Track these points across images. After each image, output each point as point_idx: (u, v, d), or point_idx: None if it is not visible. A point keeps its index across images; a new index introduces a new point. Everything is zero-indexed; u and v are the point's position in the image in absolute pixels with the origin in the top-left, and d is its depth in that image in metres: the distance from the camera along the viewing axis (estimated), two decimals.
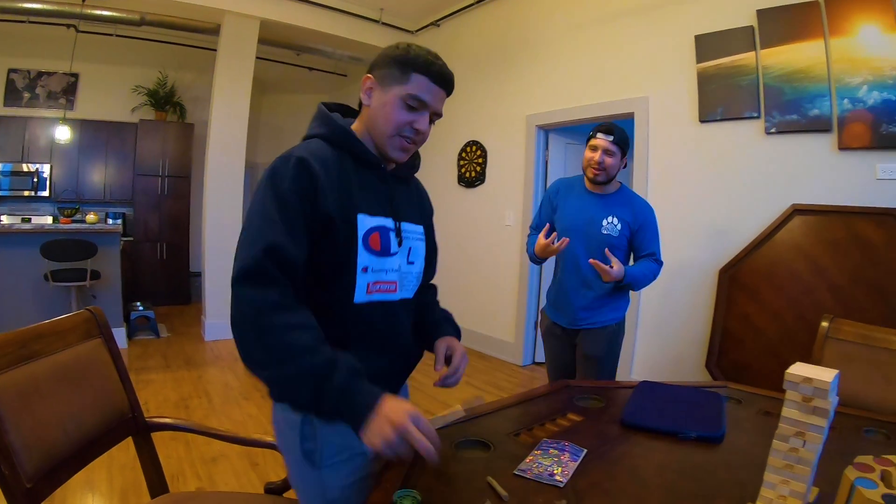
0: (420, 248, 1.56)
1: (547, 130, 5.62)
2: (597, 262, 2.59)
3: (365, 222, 1.36)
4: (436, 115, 1.43)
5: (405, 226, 1.50)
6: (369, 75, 1.41)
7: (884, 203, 3.29)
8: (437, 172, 6.86)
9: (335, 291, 1.32)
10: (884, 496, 0.98)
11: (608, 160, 2.75)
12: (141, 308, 6.20)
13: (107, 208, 7.88)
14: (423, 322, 1.66)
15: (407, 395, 1.66)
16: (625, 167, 2.88)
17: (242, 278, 1.17)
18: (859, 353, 2.21)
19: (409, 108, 1.37)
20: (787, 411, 1.12)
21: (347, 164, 1.37)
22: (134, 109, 7.88)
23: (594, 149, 2.77)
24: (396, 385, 1.56)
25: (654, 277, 2.85)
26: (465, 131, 6.47)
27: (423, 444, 1.08)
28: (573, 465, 1.36)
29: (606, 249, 2.69)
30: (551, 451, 1.44)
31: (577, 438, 1.52)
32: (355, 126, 1.47)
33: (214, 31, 6.03)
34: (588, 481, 1.30)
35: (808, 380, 1.09)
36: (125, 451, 2.64)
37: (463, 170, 6.48)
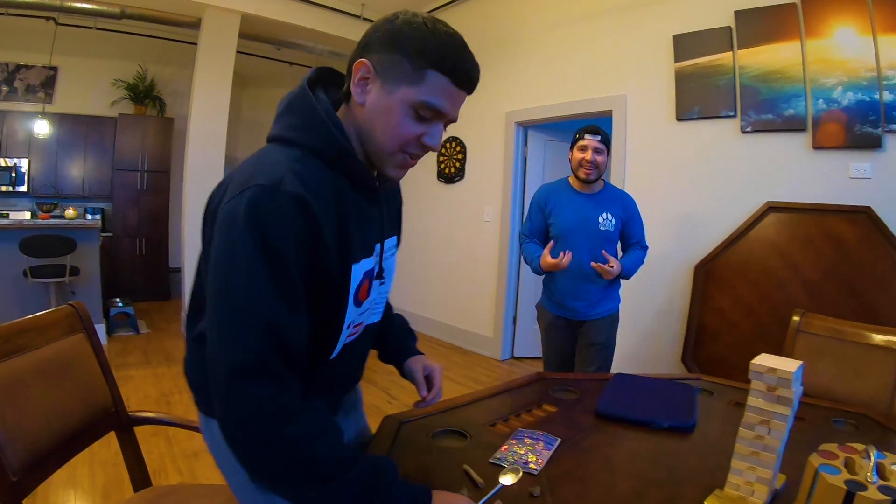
0: (393, 262, 1.35)
1: (526, 127, 5.66)
2: (598, 265, 2.89)
3: (357, 273, 1.12)
4: (451, 122, 1.13)
5: (386, 245, 1.27)
6: (365, 60, 1.04)
7: (856, 201, 3.36)
8: (416, 168, 6.68)
9: (309, 352, 1.04)
10: (846, 482, 1.01)
11: (598, 158, 2.96)
12: (120, 304, 6.15)
13: (85, 203, 7.77)
14: (382, 334, 1.52)
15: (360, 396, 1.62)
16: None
17: (241, 375, 0.90)
18: (829, 347, 2.27)
19: (419, 117, 1.06)
20: (753, 400, 1.17)
21: (343, 191, 1.07)
22: (113, 103, 7.80)
23: (584, 149, 2.96)
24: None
25: (642, 262, 3.17)
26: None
27: None
28: (547, 454, 1.39)
29: (603, 251, 2.97)
30: (526, 440, 1.47)
31: (552, 428, 1.56)
32: (340, 114, 1.13)
33: (195, 25, 5.99)
34: (561, 469, 1.34)
35: (772, 370, 1.14)
36: (106, 447, 2.65)
37: (442, 165, 6.50)
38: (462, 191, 6.28)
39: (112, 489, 2.80)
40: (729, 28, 3.88)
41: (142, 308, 6.97)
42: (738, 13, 3.82)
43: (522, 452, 1.39)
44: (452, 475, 1.28)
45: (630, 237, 3.17)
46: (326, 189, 1.02)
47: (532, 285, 5.73)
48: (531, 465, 1.33)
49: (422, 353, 1.55)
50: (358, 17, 6.64)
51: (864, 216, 3.30)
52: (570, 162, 3.08)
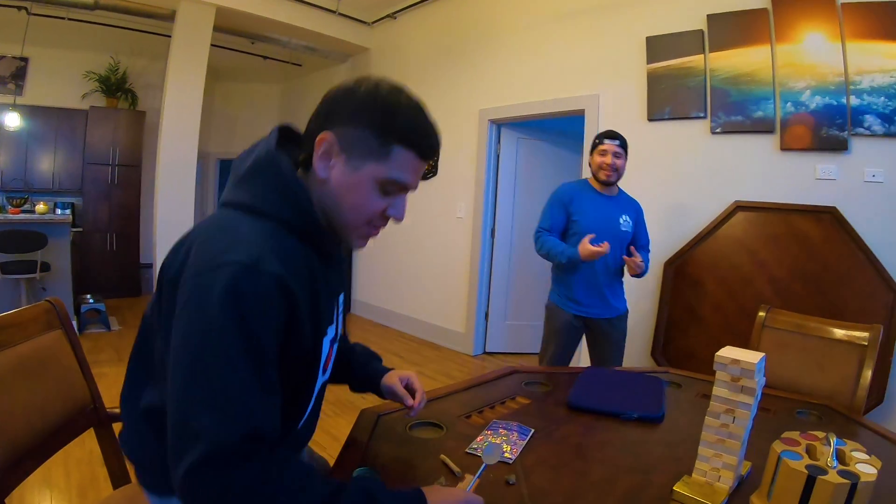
0: (341, 318, 1.30)
1: (499, 125, 5.68)
2: (630, 259, 3.01)
3: (326, 346, 1.12)
4: (412, 191, 1.13)
5: (340, 302, 1.27)
6: (329, 134, 1.01)
7: (822, 201, 3.45)
8: None
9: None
10: (808, 466, 1.07)
11: (618, 162, 3.09)
12: (91, 301, 6.06)
13: (55, 198, 7.59)
14: (346, 366, 1.50)
15: None
16: None
17: (213, 461, 0.83)
18: (794, 341, 2.36)
19: (385, 192, 1.06)
20: (718, 390, 1.23)
21: (314, 265, 1.05)
22: (85, 96, 7.66)
23: (604, 153, 3.09)
24: None
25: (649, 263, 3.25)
26: None
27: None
28: (521, 444, 1.43)
29: (631, 247, 3.14)
30: (501, 430, 1.51)
31: (526, 420, 1.60)
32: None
33: (169, 17, 5.91)
34: (535, 458, 1.38)
35: (735, 361, 1.20)
36: (80, 446, 2.63)
37: None
38: (435, 187, 6.29)
39: (88, 488, 2.77)
40: (701, 31, 3.95)
41: (112, 304, 6.89)
42: (710, 17, 3.90)
43: (497, 442, 1.43)
44: (430, 465, 1.31)
45: (640, 239, 3.30)
46: (302, 266, 1.00)
47: (503, 281, 5.79)
48: (506, 455, 1.37)
49: (391, 369, 1.52)
50: (333, 12, 6.63)
51: (829, 216, 3.40)
52: (590, 165, 3.20)
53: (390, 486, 0.99)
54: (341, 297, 1.27)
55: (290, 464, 0.89)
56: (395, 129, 1.01)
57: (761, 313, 2.49)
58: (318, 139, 1.01)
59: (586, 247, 2.87)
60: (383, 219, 1.10)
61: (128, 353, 1.25)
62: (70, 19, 6.57)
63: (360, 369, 1.50)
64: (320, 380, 1.14)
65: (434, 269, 6.29)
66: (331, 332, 1.15)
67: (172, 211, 5.78)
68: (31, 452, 1.38)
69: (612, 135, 3.10)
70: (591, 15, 4.69)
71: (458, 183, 5.99)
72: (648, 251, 3.34)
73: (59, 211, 7.22)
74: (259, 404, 0.88)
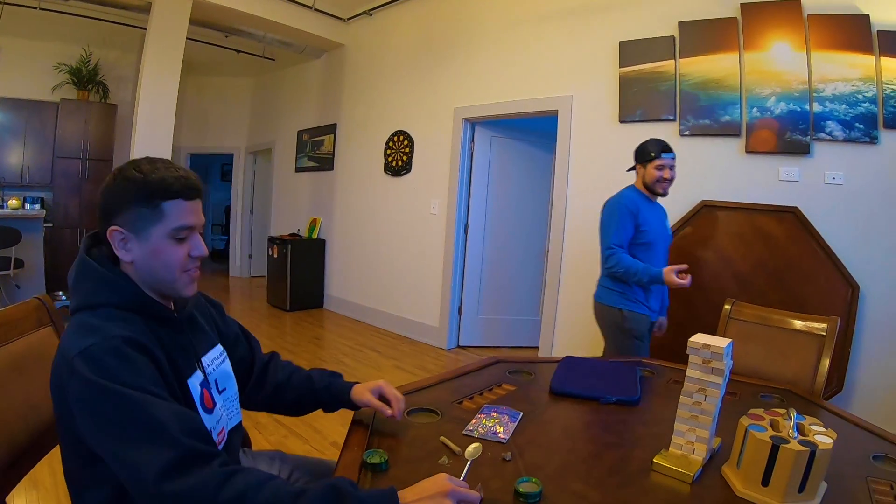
0: (225, 369, 1.42)
1: (474, 123, 5.79)
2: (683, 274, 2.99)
3: (194, 387, 1.24)
4: (202, 227, 1.28)
5: (206, 361, 1.35)
6: (115, 227, 1.17)
7: (785, 202, 3.65)
8: (363, 160, 6.94)
9: None
10: (772, 437, 1.22)
11: (674, 175, 3.16)
12: (64, 298, 5.97)
13: (24, 192, 7.39)
14: (311, 392, 1.59)
15: None
16: None
17: (169, 471, 0.96)
18: (758, 332, 2.54)
19: (179, 240, 1.21)
20: (691, 372, 1.38)
21: (155, 329, 1.20)
22: (55, 88, 7.53)
23: (661, 168, 3.11)
24: None
25: None
26: (393, 121, 6.56)
27: (472, 493, 1.11)
28: (512, 426, 1.56)
29: (686, 265, 3.05)
30: (493, 414, 1.63)
31: (513, 405, 1.72)
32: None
33: (144, 8, 5.84)
34: (526, 438, 1.50)
35: (706, 346, 1.36)
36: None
37: (389, 159, 6.57)
38: (409, 184, 6.38)
39: None
40: (672, 38, 4.13)
41: None
42: (681, 24, 4.07)
43: (490, 424, 1.55)
44: (431, 446, 1.42)
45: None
46: (144, 329, 1.15)
47: (476, 276, 5.91)
48: (500, 435, 1.49)
49: (356, 383, 1.59)
50: (310, 7, 6.66)
51: (791, 215, 3.60)
52: (643, 176, 3.19)
53: (398, 467, 1.12)
54: (213, 353, 1.39)
55: (249, 469, 1.02)
56: (154, 191, 1.17)
57: (727, 306, 2.67)
58: (108, 235, 1.18)
59: (672, 278, 2.92)
60: (192, 260, 1.25)
61: (19, 361, 1.31)
62: (42, 9, 6.46)
63: (325, 391, 1.58)
64: (206, 417, 1.23)
65: (408, 265, 6.38)
66: (198, 376, 1.28)
67: None
68: (28, 450, 1.40)
69: (668, 148, 3.13)
70: (567, 18, 4.83)
71: (431, 180, 6.08)
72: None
73: (27, 206, 7.08)
74: (176, 409, 1.04)
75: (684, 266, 2.96)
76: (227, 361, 1.44)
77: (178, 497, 0.95)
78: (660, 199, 3.25)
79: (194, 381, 1.25)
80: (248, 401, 1.59)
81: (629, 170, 3.33)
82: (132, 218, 1.17)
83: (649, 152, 3.14)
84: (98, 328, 1.08)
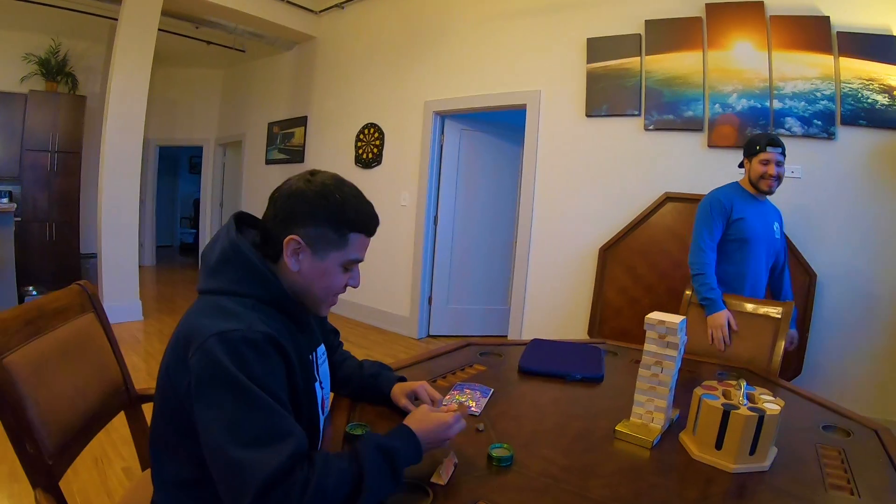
0: (325, 369, 1.44)
1: (444, 116, 5.85)
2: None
3: (318, 390, 1.30)
4: None
5: (318, 354, 1.39)
6: (294, 237, 1.18)
7: None
8: (334, 152, 6.96)
9: None
10: (724, 404, 1.33)
11: (780, 171, 2.88)
12: (34, 293, 5.89)
13: None
14: (359, 377, 1.62)
15: None
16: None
17: (272, 487, 0.94)
18: None
19: (345, 270, 1.27)
20: (648, 346, 1.51)
21: (291, 329, 1.23)
22: (23, 79, 7.35)
23: (766, 163, 2.86)
24: None
25: None
26: (364, 113, 6.58)
27: (452, 418, 1.22)
28: (484, 401, 1.65)
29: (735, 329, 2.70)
30: (466, 390, 1.72)
31: (484, 382, 1.81)
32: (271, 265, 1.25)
33: None
34: (497, 411, 1.60)
35: (661, 322, 1.48)
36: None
37: (360, 151, 6.61)
38: (379, 176, 6.41)
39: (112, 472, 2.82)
40: (639, 35, 4.25)
41: None
42: (647, 22, 4.20)
43: (463, 399, 1.64)
44: None
45: (782, 253, 3.08)
46: (282, 329, 1.16)
47: (446, 267, 5.99)
48: (473, 409, 1.57)
49: (400, 379, 1.62)
50: (282, 0, 6.67)
51: None
52: (749, 171, 2.96)
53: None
54: (321, 350, 1.41)
55: (316, 461, 1.01)
56: (347, 220, 1.21)
57: (687, 292, 2.83)
58: (285, 242, 1.19)
59: (718, 322, 2.65)
60: (344, 288, 1.30)
61: (66, 346, 1.36)
62: None
63: (371, 379, 1.61)
64: (321, 418, 1.30)
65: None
66: (317, 389, 1.31)
67: (117, 199, 5.69)
68: (77, 435, 1.41)
69: (774, 142, 2.86)
70: (536, 15, 4.92)
71: (402, 172, 6.14)
72: (787, 269, 3.14)
73: None
74: (290, 424, 1.02)
75: (735, 327, 2.65)
76: (327, 361, 1.47)
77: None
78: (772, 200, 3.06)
79: (318, 386, 1.31)
80: None
81: (739, 165, 3.09)
82: (316, 236, 1.19)
83: (755, 145, 2.92)
84: (241, 316, 1.09)
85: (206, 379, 1.00)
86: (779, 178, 2.88)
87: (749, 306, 2.63)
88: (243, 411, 0.98)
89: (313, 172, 1.25)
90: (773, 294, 3.10)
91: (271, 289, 1.18)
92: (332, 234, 1.20)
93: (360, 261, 1.28)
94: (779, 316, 2.52)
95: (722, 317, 2.64)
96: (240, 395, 0.99)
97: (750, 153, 2.94)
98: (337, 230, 1.20)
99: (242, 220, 1.31)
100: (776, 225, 3.00)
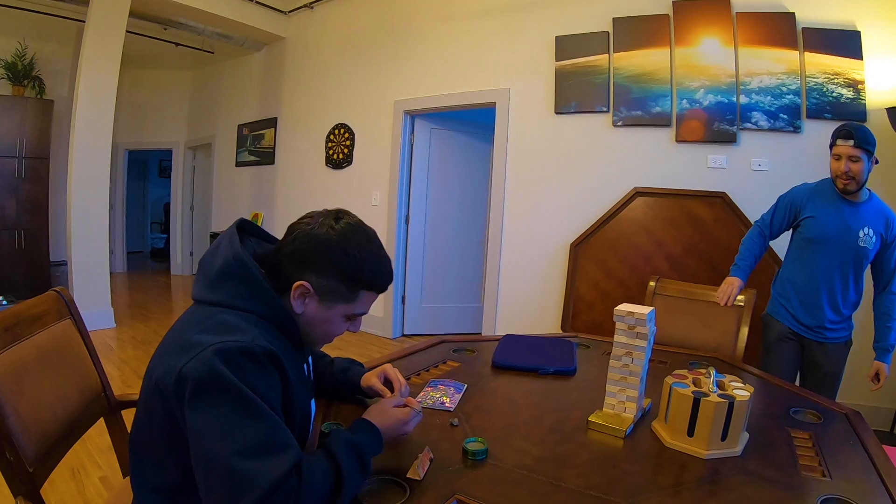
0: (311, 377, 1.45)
1: (413, 116, 5.85)
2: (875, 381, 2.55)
3: (314, 406, 1.33)
4: None
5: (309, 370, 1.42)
6: (304, 283, 1.17)
7: (713, 187, 3.87)
8: (304, 153, 6.92)
9: None
10: (694, 392, 1.34)
11: (854, 167, 2.46)
12: (4, 302, 5.74)
13: None
14: (332, 379, 1.61)
15: None
16: (876, 163, 2.54)
17: (272, 496, 0.93)
18: (681, 306, 2.83)
19: (348, 320, 1.26)
20: (618, 337, 1.53)
21: (290, 348, 1.22)
22: None
23: (838, 157, 2.50)
24: None
25: None
26: (334, 114, 6.56)
27: (409, 414, 1.27)
28: (458, 396, 1.65)
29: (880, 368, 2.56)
30: (440, 387, 1.72)
31: (458, 378, 1.82)
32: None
33: (83, 0, 5.71)
34: (472, 405, 1.60)
35: (631, 313, 1.50)
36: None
37: (331, 151, 6.56)
38: (350, 176, 6.38)
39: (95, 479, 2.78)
40: (607, 33, 4.28)
41: None
42: (615, 20, 4.24)
43: (438, 396, 1.64)
44: None
45: (889, 264, 2.59)
46: (281, 346, 1.13)
47: (418, 266, 5.99)
48: (447, 404, 1.58)
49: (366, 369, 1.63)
50: (250, 0, 6.61)
51: (720, 200, 3.82)
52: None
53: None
54: (310, 359, 1.42)
55: (303, 466, 1.00)
56: (362, 279, 1.20)
57: (651, 283, 2.89)
58: (294, 285, 1.17)
59: (729, 285, 2.58)
60: (342, 333, 1.29)
61: (45, 353, 1.34)
62: None
63: (342, 374, 1.61)
64: (309, 434, 1.30)
65: None
66: (313, 406, 1.33)
67: (86, 204, 5.59)
68: (57, 442, 1.39)
69: (845, 133, 2.48)
70: (505, 13, 4.94)
71: (373, 172, 6.12)
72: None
73: None
74: (288, 436, 1.01)
75: (733, 288, 2.58)
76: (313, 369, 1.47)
77: None
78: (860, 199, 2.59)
79: (313, 401, 1.32)
80: None
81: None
82: (327, 287, 1.18)
83: (832, 136, 2.57)
84: (242, 329, 1.07)
85: (203, 386, 0.98)
86: (854, 178, 2.47)
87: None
88: (243, 420, 0.97)
89: (338, 217, 1.23)
90: (875, 314, 2.64)
91: (274, 307, 1.16)
92: (343, 288, 1.19)
93: (365, 314, 1.28)
94: (742, 304, 2.62)
95: (734, 280, 2.60)
96: (240, 403, 0.98)
97: (830, 146, 2.59)
98: (350, 286, 1.19)
99: (242, 229, 1.29)
100: (867, 230, 2.52)
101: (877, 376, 2.54)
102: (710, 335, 2.57)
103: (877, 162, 2.51)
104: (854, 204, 2.56)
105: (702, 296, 2.73)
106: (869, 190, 2.59)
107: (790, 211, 2.74)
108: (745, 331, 2.50)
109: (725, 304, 2.53)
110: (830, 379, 2.65)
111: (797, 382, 2.73)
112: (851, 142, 2.43)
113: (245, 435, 0.96)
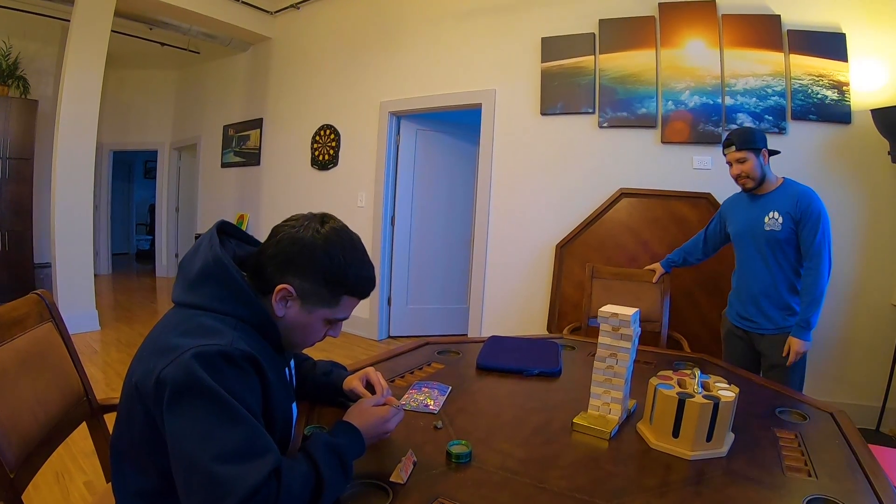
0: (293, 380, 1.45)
1: (399, 117, 5.83)
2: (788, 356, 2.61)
3: (295, 409, 1.32)
4: None
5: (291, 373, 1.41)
6: (287, 286, 1.16)
7: (698, 188, 3.88)
8: (290, 155, 6.89)
9: None
10: (679, 393, 1.34)
11: (744, 167, 2.71)
12: None
13: None
14: (311, 377, 1.60)
15: None
16: (774, 154, 2.79)
17: (251, 501, 0.92)
18: (616, 286, 3.46)
19: (329, 324, 1.25)
20: (602, 339, 1.52)
21: (271, 353, 1.21)
22: None
23: (729, 164, 2.79)
24: None
25: (825, 286, 2.62)
26: (320, 115, 6.53)
27: (389, 412, 1.29)
28: (442, 398, 1.64)
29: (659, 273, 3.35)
30: (424, 389, 1.71)
31: (443, 380, 1.81)
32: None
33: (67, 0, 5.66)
34: (456, 407, 1.59)
35: (615, 315, 1.50)
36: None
37: (317, 153, 6.55)
38: (336, 177, 6.36)
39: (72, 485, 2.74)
40: (593, 34, 4.29)
41: None
42: (601, 21, 4.24)
43: (422, 398, 1.63)
44: None
45: (804, 245, 2.66)
46: (261, 350, 1.12)
47: (404, 267, 5.98)
48: (431, 407, 1.57)
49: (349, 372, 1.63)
50: (237, 0, 6.58)
51: (704, 201, 3.83)
52: None
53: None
54: (292, 363, 1.42)
55: (283, 469, 1.00)
56: (346, 284, 1.20)
57: (587, 270, 3.50)
58: (277, 288, 1.16)
59: (650, 268, 3.39)
60: (322, 339, 1.29)
61: (25, 357, 1.32)
62: None
63: (324, 377, 1.59)
64: (291, 438, 1.30)
65: None
66: (295, 410, 1.33)
67: (71, 206, 5.55)
68: (39, 447, 1.38)
69: (727, 142, 2.77)
70: (491, 14, 4.93)
71: (358, 173, 6.09)
72: (816, 261, 2.61)
73: None
74: (267, 440, 1.01)
75: (657, 272, 3.35)
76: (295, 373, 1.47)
77: None
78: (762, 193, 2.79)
79: (295, 405, 1.31)
80: None
81: None
82: (310, 291, 1.17)
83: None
84: (222, 332, 1.06)
85: (181, 390, 0.97)
86: (748, 176, 2.71)
87: (641, 276, 3.40)
88: (222, 425, 0.96)
89: (324, 221, 1.22)
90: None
91: (254, 310, 1.15)
92: (326, 293, 1.18)
93: (346, 319, 1.27)
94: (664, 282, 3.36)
95: (655, 265, 3.37)
96: (219, 408, 0.97)
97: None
98: (332, 291, 1.19)
99: (223, 231, 1.28)
100: (772, 214, 2.69)
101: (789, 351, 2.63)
102: (642, 307, 2.52)
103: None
104: (760, 196, 2.79)
105: (629, 276, 3.45)
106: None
107: (720, 219, 3.08)
108: (667, 300, 3.22)
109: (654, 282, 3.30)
110: (779, 370, 2.69)
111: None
112: (733, 147, 2.73)
113: (223, 440, 0.95)
